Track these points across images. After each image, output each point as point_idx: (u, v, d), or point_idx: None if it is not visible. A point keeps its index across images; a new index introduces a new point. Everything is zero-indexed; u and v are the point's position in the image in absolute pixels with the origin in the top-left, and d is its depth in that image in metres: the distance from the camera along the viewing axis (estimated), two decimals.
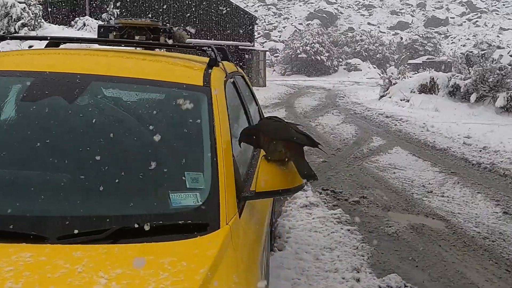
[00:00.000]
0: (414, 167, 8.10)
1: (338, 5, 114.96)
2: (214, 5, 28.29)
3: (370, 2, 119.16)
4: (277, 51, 72.92)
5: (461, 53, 29.96)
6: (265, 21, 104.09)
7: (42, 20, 16.96)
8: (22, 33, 16.64)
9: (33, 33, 16.20)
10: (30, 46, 12.76)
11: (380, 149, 9.69)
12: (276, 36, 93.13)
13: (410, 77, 20.82)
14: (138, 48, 3.51)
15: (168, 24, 3.45)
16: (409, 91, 18.47)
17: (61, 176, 1.81)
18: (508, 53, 22.18)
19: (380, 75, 23.12)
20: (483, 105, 15.47)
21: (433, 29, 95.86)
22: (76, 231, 1.59)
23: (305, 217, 5.27)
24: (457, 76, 17.42)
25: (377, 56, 64.77)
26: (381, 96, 20.10)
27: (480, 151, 9.42)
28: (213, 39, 27.83)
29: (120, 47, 3.33)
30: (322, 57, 56.78)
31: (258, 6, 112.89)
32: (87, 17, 17.12)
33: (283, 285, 3.69)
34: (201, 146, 2.06)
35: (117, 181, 1.81)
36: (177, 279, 1.41)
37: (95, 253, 1.49)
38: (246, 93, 3.80)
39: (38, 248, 1.50)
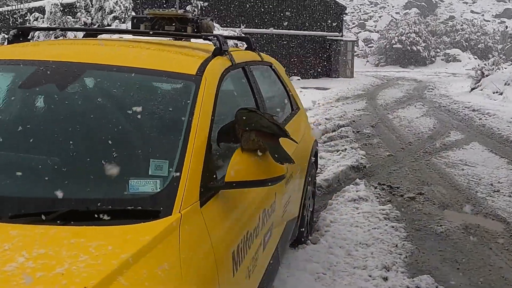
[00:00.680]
0: (487, 164, 7.59)
1: None
2: None
3: None
4: (372, 41, 71.07)
5: None
6: (360, 11, 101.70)
7: (133, 13, 17.79)
8: (113, 25, 17.60)
9: (123, 26, 17.07)
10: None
11: (455, 144, 9.17)
12: (371, 26, 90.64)
13: (505, 68, 19.41)
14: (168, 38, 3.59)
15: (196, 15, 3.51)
16: (502, 84, 17.25)
17: (22, 157, 1.91)
18: None
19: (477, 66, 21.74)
20: None
21: None
22: (27, 211, 1.67)
23: (350, 211, 5.14)
24: None
25: (478, 46, 61.02)
26: (472, 89, 18.96)
27: None
28: (297, 29, 27.73)
29: (149, 37, 3.42)
30: (418, 47, 54.51)
31: None
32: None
33: (306, 278, 3.64)
34: (174, 135, 2.08)
35: (77, 165, 1.88)
36: (93, 263, 1.44)
37: (30, 233, 1.57)
38: (270, 83, 3.77)
39: None
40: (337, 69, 29.96)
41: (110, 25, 17.35)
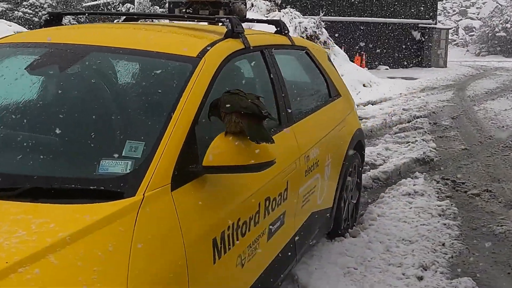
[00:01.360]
0: None
1: None
2: None
3: None
4: (473, 29, 67.12)
5: None
6: None
7: None
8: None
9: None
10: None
11: None
12: (474, 13, 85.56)
13: None
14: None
15: None
16: None
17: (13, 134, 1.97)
18: None
19: None
20: None
21: None
22: None
23: (401, 205, 4.87)
24: None
25: None
26: None
27: None
28: (385, 16, 26.73)
29: (183, 21, 3.43)
30: None
31: None
32: None
33: (334, 272, 3.50)
34: (156, 117, 2.05)
35: (51, 144, 1.91)
36: (28, 239, 1.45)
37: None
38: (303, 68, 3.64)
39: None
40: (429, 58, 28.57)
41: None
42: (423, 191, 5.26)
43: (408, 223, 4.46)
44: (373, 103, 12.35)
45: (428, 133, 8.59)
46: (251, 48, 2.76)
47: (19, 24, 17.24)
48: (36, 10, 29.11)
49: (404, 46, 27.77)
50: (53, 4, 30.39)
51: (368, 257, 3.76)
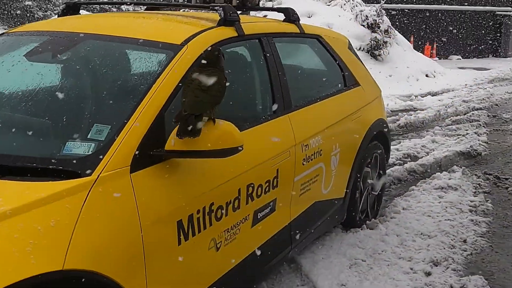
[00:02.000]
0: None
1: None
2: None
3: None
4: None
5: None
6: None
7: None
8: (260, 4, 18.05)
9: (269, 4, 17.42)
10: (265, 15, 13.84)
11: None
12: None
13: None
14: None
15: None
16: None
17: None
18: None
19: None
20: None
21: None
22: None
23: (430, 199, 4.71)
24: None
25: None
26: None
27: None
28: (457, 3, 25.51)
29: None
30: None
31: None
32: None
33: (340, 262, 3.47)
34: (126, 101, 2.14)
35: (24, 125, 2.04)
36: None
37: None
38: (314, 57, 3.60)
39: None
40: (507, 48, 27.00)
41: (259, 5, 17.79)
42: (457, 185, 5.05)
43: (432, 217, 4.31)
44: (434, 94, 11.90)
45: (483, 126, 8.19)
46: (246, 35, 2.78)
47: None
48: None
49: (478, 35, 26.43)
50: None
51: (379, 249, 3.70)
